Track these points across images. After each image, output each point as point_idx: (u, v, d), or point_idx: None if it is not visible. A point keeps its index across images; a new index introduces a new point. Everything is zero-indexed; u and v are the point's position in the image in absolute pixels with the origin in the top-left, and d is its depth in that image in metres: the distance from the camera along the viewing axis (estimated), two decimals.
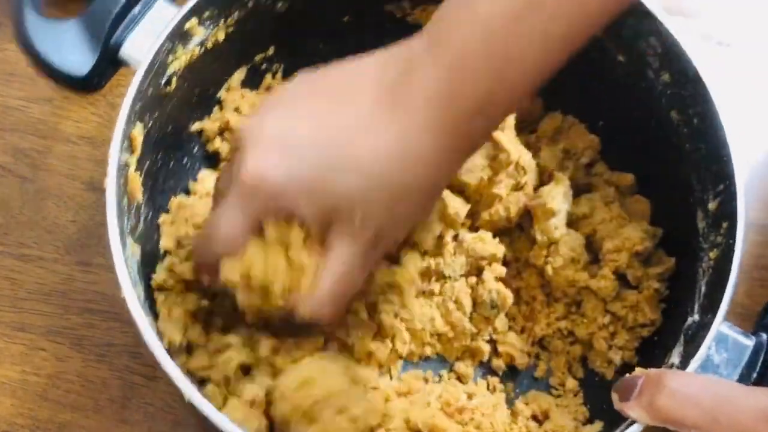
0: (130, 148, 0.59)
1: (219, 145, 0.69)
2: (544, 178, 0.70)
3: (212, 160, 0.70)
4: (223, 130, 0.69)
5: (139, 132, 0.59)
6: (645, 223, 0.66)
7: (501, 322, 0.67)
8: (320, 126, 0.52)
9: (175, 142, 0.66)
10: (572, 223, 0.67)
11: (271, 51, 0.70)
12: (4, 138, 0.62)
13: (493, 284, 0.65)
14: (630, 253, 0.64)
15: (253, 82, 0.70)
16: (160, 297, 0.62)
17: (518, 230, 0.69)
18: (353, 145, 0.51)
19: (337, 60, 0.55)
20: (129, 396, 0.67)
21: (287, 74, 0.71)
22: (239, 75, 0.69)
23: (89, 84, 0.61)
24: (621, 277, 0.65)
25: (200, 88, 0.66)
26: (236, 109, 0.69)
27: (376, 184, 0.51)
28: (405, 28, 0.70)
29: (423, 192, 0.53)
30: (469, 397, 0.64)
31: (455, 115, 0.50)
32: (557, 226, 0.65)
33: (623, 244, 0.64)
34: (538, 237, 0.66)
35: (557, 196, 0.66)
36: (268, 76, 0.71)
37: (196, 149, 0.69)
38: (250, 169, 0.51)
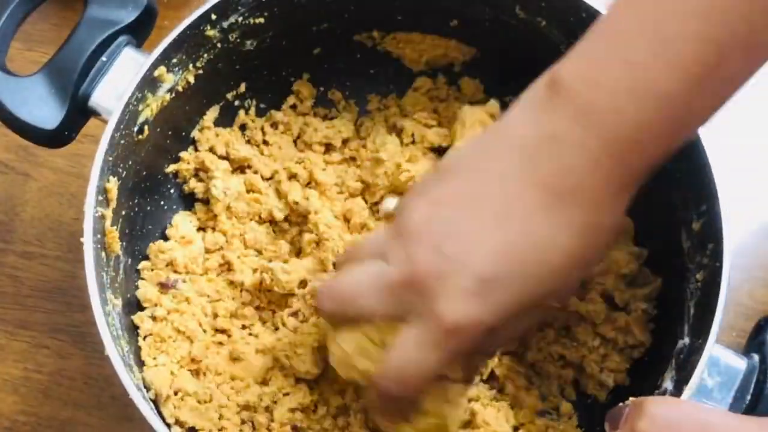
0: (106, 201, 0.58)
1: (195, 185, 0.68)
2: None
3: (188, 200, 0.69)
4: (198, 170, 0.68)
5: (113, 184, 0.58)
6: (630, 245, 0.65)
7: None
8: (506, 254, 0.48)
9: (151, 186, 0.66)
10: None
11: (242, 88, 0.69)
12: (6, 135, 0.62)
13: None
14: (616, 275, 0.63)
15: (226, 119, 0.69)
16: (144, 345, 0.62)
17: None
18: (542, 262, 0.48)
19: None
20: None
21: (260, 110, 0.71)
22: (212, 114, 0.68)
23: (59, 137, 0.60)
24: (608, 299, 0.64)
25: (173, 131, 0.66)
26: (210, 149, 0.68)
27: (566, 274, 0.49)
28: (376, 58, 0.71)
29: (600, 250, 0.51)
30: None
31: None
32: None
33: (609, 266, 0.63)
34: None
35: None
36: (242, 113, 0.70)
37: (172, 191, 0.68)
38: (454, 315, 0.47)
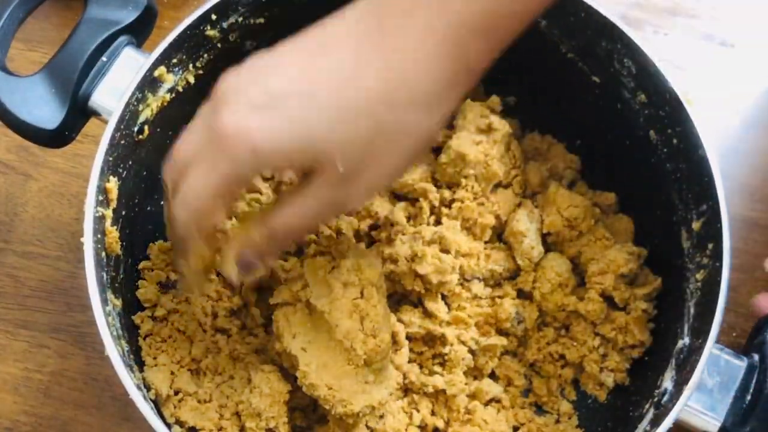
0: (106, 201, 0.58)
1: None
2: (526, 193, 0.70)
3: None
4: None
5: (113, 184, 0.58)
6: (630, 244, 0.65)
7: None
8: (303, 76, 0.47)
9: (151, 186, 0.65)
10: (558, 244, 0.67)
11: None
12: (7, 135, 0.62)
13: (511, 302, 0.66)
14: (615, 275, 0.63)
15: None
16: (145, 345, 0.62)
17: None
18: (338, 92, 0.47)
19: None
20: None
21: None
22: None
23: (59, 137, 0.60)
24: (608, 298, 0.64)
25: (173, 130, 0.65)
26: None
27: (364, 133, 0.47)
28: None
29: (413, 137, 0.49)
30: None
31: (449, 33, 0.46)
32: (532, 245, 0.65)
33: (608, 266, 0.64)
34: (520, 262, 0.66)
35: (521, 218, 0.66)
36: None
37: None
38: (229, 123, 0.47)
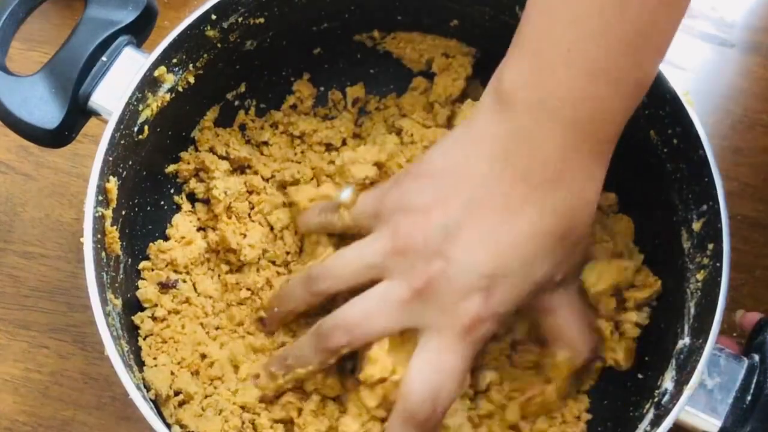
0: (106, 201, 0.58)
1: (195, 185, 0.68)
2: None
3: (188, 200, 0.69)
4: (199, 170, 0.68)
5: (113, 184, 0.58)
6: (630, 243, 0.65)
7: None
8: (499, 247, 0.52)
9: (151, 186, 0.66)
10: None
11: (242, 88, 0.69)
12: (6, 135, 0.62)
13: None
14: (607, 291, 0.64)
15: (226, 119, 0.69)
16: (145, 345, 0.62)
17: None
18: (537, 245, 0.53)
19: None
20: None
21: (260, 110, 0.71)
22: (212, 114, 0.68)
23: (59, 137, 0.60)
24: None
25: (173, 131, 0.66)
26: (210, 149, 0.68)
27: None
28: (377, 58, 0.71)
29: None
30: None
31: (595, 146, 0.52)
32: None
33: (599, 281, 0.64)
34: None
35: None
36: (242, 113, 0.70)
37: (172, 191, 0.68)
38: (468, 312, 0.52)
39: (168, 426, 0.58)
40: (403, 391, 0.53)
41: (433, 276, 0.52)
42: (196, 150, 0.68)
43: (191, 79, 0.63)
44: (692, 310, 0.58)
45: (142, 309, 0.63)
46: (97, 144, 0.57)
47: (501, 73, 0.52)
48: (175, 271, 0.65)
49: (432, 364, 0.53)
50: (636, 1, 0.48)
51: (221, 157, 0.68)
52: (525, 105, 0.51)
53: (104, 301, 0.55)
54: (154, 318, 0.63)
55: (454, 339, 0.53)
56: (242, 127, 0.70)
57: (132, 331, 0.62)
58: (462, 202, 0.52)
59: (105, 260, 0.58)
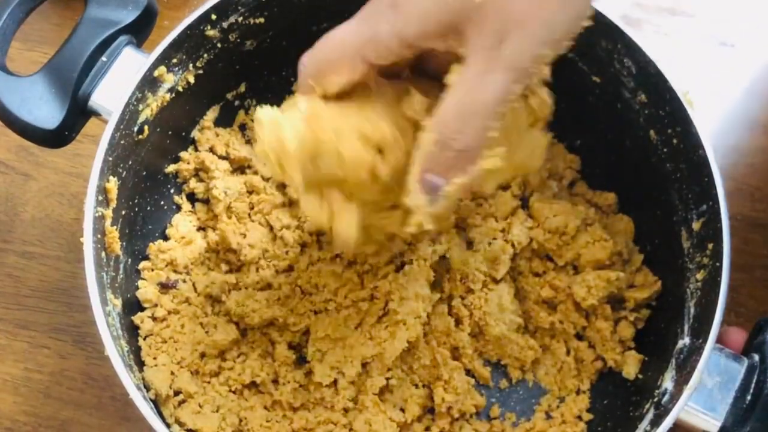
0: (106, 201, 0.58)
1: (195, 185, 0.68)
2: (527, 194, 0.69)
3: (188, 200, 0.69)
4: (198, 170, 0.68)
5: (113, 184, 0.58)
6: (630, 243, 0.65)
7: None
8: None
9: (151, 186, 0.66)
10: (552, 251, 0.67)
11: (242, 88, 0.69)
12: (6, 135, 0.63)
13: None
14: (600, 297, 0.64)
15: (226, 119, 0.69)
16: (145, 345, 0.62)
17: None
18: None
19: None
20: None
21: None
22: (212, 114, 0.68)
23: (59, 137, 0.60)
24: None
25: (173, 131, 0.66)
26: (210, 149, 0.68)
27: None
28: None
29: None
30: None
31: None
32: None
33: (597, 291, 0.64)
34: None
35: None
36: (241, 113, 0.70)
37: (172, 191, 0.68)
38: None
39: (167, 426, 0.58)
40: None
41: None
42: (196, 150, 0.68)
43: (191, 79, 0.63)
44: (692, 310, 0.58)
45: (142, 309, 0.63)
46: (97, 144, 0.57)
47: None
48: (175, 271, 0.65)
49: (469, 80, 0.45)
50: None
51: (221, 157, 0.68)
52: None
53: (104, 301, 0.56)
54: (154, 318, 0.63)
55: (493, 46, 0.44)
56: (242, 127, 0.70)
57: (132, 331, 0.62)
58: None
59: (105, 260, 0.58)
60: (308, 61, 0.50)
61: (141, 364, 0.61)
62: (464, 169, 0.47)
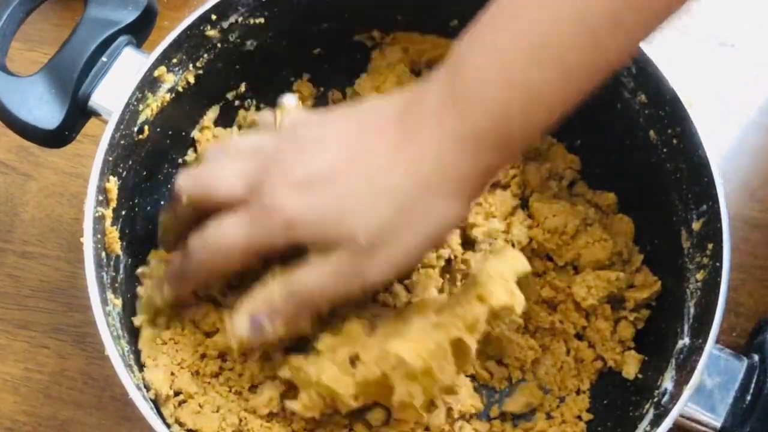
0: (106, 201, 0.58)
1: None
2: (526, 193, 0.69)
3: None
4: None
5: (113, 184, 0.58)
6: (630, 243, 0.65)
7: None
8: (342, 160, 0.52)
9: (151, 186, 0.66)
10: (552, 251, 0.67)
11: (242, 88, 0.69)
12: (6, 135, 0.62)
13: None
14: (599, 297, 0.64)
15: (226, 119, 0.69)
16: (145, 347, 0.62)
17: None
18: (369, 181, 0.51)
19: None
20: None
21: (260, 110, 0.71)
22: (212, 114, 0.68)
23: (59, 137, 0.60)
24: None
25: (173, 130, 0.65)
26: None
27: (387, 218, 0.51)
28: None
29: (432, 224, 0.52)
30: None
31: (469, 142, 0.50)
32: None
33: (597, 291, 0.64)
34: None
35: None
36: (241, 113, 0.70)
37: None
38: (274, 198, 0.52)
39: (168, 426, 0.58)
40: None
41: (275, 155, 0.54)
42: (196, 150, 0.68)
43: (191, 79, 0.63)
44: (692, 310, 0.58)
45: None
46: (97, 144, 0.57)
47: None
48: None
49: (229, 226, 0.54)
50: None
51: None
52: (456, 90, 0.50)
53: (104, 301, 0.56)
54: (154, 321, 0.63)
55: (252, 197, 0.53)
56: (241, 128, 0.70)
57: (132, 331, 0.62)
58: (346, 121, 0.54)
59: (105, 260, 0.58)
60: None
61: (141, 364, 0.61)
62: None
